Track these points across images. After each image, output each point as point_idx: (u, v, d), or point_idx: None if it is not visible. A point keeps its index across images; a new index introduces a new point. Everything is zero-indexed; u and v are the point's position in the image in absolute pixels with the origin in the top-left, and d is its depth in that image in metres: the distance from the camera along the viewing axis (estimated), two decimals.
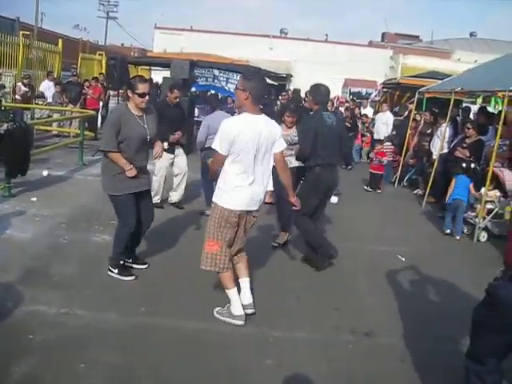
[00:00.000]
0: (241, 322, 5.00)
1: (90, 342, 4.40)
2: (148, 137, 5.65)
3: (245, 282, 5.28)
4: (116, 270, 5.77)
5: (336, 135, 6.57)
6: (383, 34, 51.79)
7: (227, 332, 4.82)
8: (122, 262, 5.86)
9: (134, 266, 6.04)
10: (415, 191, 12.65)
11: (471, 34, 54.23)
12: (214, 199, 4.96)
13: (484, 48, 43.44)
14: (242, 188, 4.80)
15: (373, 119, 18.30)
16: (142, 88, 5.49)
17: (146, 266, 6.12)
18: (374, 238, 8.28)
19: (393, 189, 13.20)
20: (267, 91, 5.38)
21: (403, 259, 7.24)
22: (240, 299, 5.10)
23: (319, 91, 6.70)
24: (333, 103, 18.62)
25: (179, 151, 8.96)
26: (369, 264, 7.04)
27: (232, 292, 5.07)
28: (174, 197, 9.09)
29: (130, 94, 5.55)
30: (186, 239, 7.26)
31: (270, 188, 9.70)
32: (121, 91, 16.79)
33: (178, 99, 8.86)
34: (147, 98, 5.58)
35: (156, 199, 8.76)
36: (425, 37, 53.95)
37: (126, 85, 5.93)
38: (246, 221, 5.06)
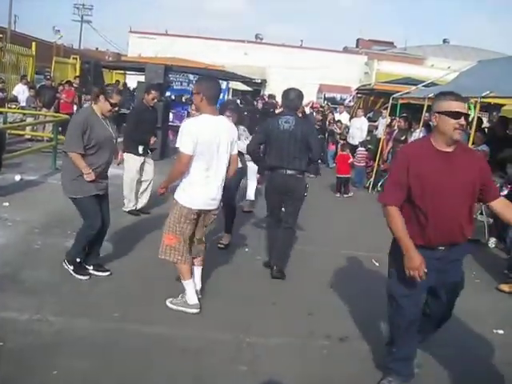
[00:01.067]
0: (196, 310, 5.26)
1: (62, 348, 4.35)
2: (113, 140, 5.80)
3: (198, 268, 5.58)
4: (71, 267, 5.82)
5: (293, 140, 6.51)
6: (358, 40, 52.28)
7: (200, 338, 4.80)
8: (78, 260, 5.88)
9: (96, 273, 5.95)
10: None
11: (444, 41, 55.01)
12: (175, 196, 5.20)
13: (456, 54, 44.06)
14: (201, 188, 5.08)
15: (347, 126, 18.45)
16: (116, 99, 5.63)
17: (108, 274, 5.99)
18: (348, 243, 8.30)
19: (367, 194, 13.29)
20: (220, 92, 5.52)
21: (377, 264, 7.28)
22: (195, 288, 5.38)
23: (287, 96, 6.74)
24: (304, 109, 18.69)
25: (148, 157, 8.90)
26: (343, 269, 7.08)
27: (188, 282, 5.32)
28: (140, 203, 8.97)
29: (101, 99, 5.61)
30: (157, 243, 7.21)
31: (251, 197, 9.78)
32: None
33: (155, 100, 8.86)
34: (116, 109, 5.78)
35: (131, 206, 8.74)
36: (399, 43, 54.67)
37: (100, 89, 5.92)
38: (206, 217, 5.34)
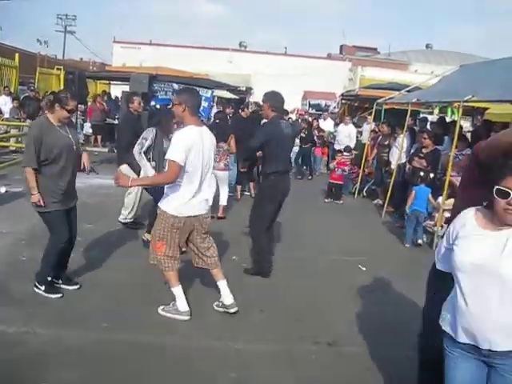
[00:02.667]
0: (187, 317, 5.32)
1: (51, 360, 4.35)
2: (74, 146, 5.51)
3: (222, 284, 5.57)
4: (43, 288, 5.61)
5: (290, 144, 6.75)
6: (341, 46, 52.53)
7: (189, 346, 4.82)
8: (49, 279, 5.69)
9: (66, 287, 5.81)
10: (375, 201, 12.82)
11: (427, 46, 55.40)
12: (160, 205, 5.27)
13: (439, 59, 44.43)
14: (189, 197, 5.13)
15: (330, 132, 18.58)
16: (72, 105, 5.43)
17: (77, 287, 5.87)
18: (335, 248, 8.33)
19: (353, 199, 13.35)
20: (200, 102, 5.64)
21: (364, 269, 7.32)
22: (184, 298, 5.43)
23: (276, 98, 6.75)
24: (289, 115, 18.80)
25: None
26: (330, 274, 7.10)
27: (177, 290, 5.39)
28: (122, 215, 8.67)
29: (56, 107, 5.39)
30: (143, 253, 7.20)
31: (224, 203, 9.81)
32: (80, 106, 16.60)
33: (141, 104, 8.69)
34: (70, 115, 5.57)
35: (129, 217, 8.58)
36: (382, 49, 54.93)
37: (54, 97, 5.65)
38: (201, 223, 5.35)
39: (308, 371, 4.56)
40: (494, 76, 9.08)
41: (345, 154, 13.91)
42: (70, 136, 5.51)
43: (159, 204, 5.29)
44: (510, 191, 2.65)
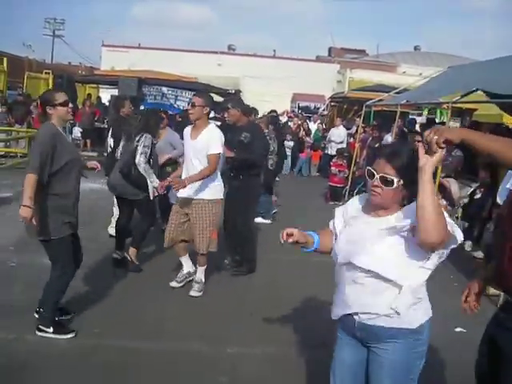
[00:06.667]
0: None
1: (40, 366, 4.33)
2: (81, 159, 5.09)
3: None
4: (51, 329, 4.83)
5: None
6: (330, 48, 52.56)
7: (180, 350, 4.81)
8: (56, 319, 4.97)
9: (61, 317, 5.16)
10: None
11: (415, 48, 55.56)
12: (206, 196, 6.00)
13: (427, 61, 44.55)
14: (220, 181, 6.26)
15: (318, 135, 18.63)
16: (60, 96, 4.73)
17: (70, 316, 5.27)
18: None
19: (343, 201, 13.35)
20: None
21: None
22: None
23: (243, 103, 7.24)
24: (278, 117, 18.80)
25: None
26: (320, 276, 7.06)
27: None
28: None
29: (49, 111, 4.68)
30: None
31: None
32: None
33: (131, 108, 8.56)
34: (70, 105, 4.87)
35: None
36: (371, 51, 54.98)
37: (41, 103, 4.89)
38: None
39: (298, 374, 4.56)
40: (483, 76, 9.13)
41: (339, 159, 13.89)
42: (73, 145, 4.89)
43: (203, 197, 6.00)
44: (375, 172, 2.78)
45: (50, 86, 22.25)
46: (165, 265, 6.98)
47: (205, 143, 5.91)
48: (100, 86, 26.38)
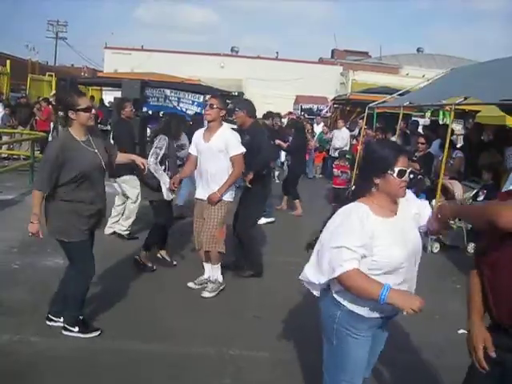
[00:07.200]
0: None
1: (44, 368, 4.32)
2: (102, 163, 4.78)
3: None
4: (76, 329, 4.87)
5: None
6: (333, 50, 52.63)
7: (182, 352, 4.79)
8: (81, 318, 4.97)
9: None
10: None
11: (418, 50, 55.55)
12: (225, 198, 6.04)
13: (431, 63, 44.58)
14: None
15: (322, 137, 18.61)
16: (83, 102, 4.65)
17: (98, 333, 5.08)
18: None
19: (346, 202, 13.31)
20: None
21: None
22: None
23: (252, 105, 7.08)
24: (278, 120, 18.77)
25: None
26: None
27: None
28: (123, 226, 8.48)
29: (72, 116, 4.60)
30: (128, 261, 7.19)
31: (181, 202, 9.89)
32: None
33: (133, 110, 8.55)
34: (93, 112, 4.82)
35: (129, 228, 8.45)
36: (374, 53, 55.07)
37: (63, 106, 4.76)
38: None
39: (302, 377, 4.54)
40: (485, 78, 9.12)
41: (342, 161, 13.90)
42: (96, 150, 4.74)
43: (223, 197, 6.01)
44: (405, 169, 2.96)
45: (53, 88, 22.33)
46: (175, 268, 7.07)
47: (222, 145, 5.96)
48: (103, 88, 26.45)
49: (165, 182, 6.67)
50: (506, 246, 2.53)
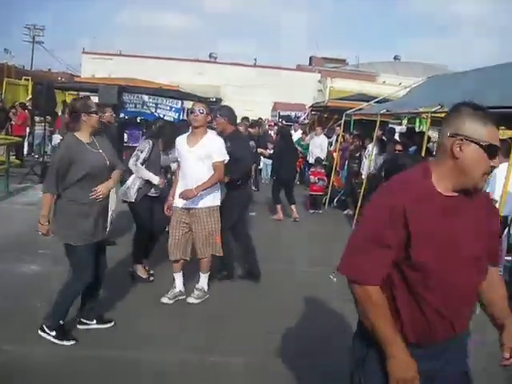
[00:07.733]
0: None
1: (18, 377, 4.26)
2: (107, 162, 4.93)
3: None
4: (53, 333, 4.84)
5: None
6: (311, 58, 52.85)
7: (164, 359, 4.76)
8: (61, 323, 4.93)
9: (99, 326, 5.25)
10: (345, 212, 12.90)
11: (395, 58, 56.07)
12: (208, 204, 6.05)
13: (407, 71, 44.93)
14: (218, 191, 6.30)
15: (302, 143, 18.63)
16: (93, 104, 4.98)
17: (111, 324, 5.32)
18: (305, 259, 8.36)
19: (323, 210, 13.39)
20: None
21: (335, 279, 7.32)
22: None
23: (232, 112, 7.10)
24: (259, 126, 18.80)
25: None
26: (302, 286, 7.09)
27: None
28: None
29: (84, 117, 4.79)
30: (116, 268, 7.13)
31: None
32: (48, 117, 16.35)
33: (113, 115, 8.52)
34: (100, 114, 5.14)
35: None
36: (351, 60, 55.38)
37: (78, 109, 4.88)
38: None
39: (282, 383, 4.54)
40: (461, 87, 9.22)
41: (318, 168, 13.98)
42: (101, 151, 4.91)
43: (202, 205, 6.03)
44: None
45: (30, 93, 22.11)
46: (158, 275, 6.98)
47: (207, 150, 5.94)
48: (80, 93, 26.25)
49: (150, 177, 6.65)
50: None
